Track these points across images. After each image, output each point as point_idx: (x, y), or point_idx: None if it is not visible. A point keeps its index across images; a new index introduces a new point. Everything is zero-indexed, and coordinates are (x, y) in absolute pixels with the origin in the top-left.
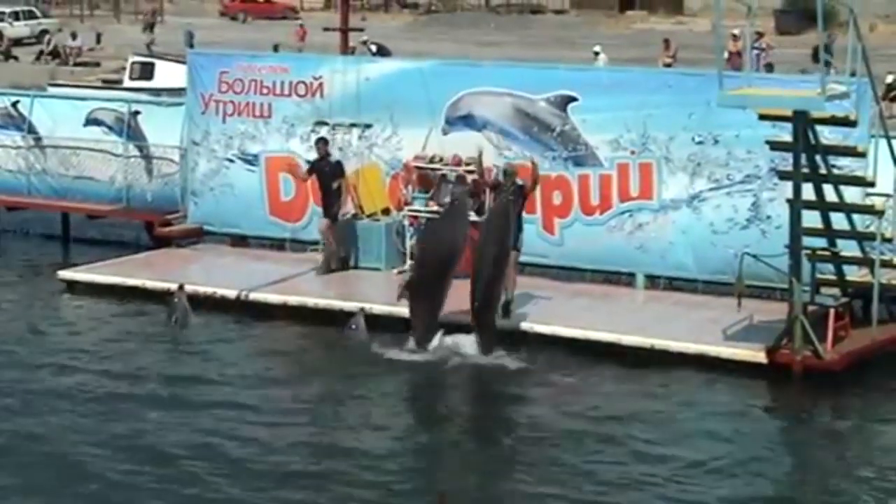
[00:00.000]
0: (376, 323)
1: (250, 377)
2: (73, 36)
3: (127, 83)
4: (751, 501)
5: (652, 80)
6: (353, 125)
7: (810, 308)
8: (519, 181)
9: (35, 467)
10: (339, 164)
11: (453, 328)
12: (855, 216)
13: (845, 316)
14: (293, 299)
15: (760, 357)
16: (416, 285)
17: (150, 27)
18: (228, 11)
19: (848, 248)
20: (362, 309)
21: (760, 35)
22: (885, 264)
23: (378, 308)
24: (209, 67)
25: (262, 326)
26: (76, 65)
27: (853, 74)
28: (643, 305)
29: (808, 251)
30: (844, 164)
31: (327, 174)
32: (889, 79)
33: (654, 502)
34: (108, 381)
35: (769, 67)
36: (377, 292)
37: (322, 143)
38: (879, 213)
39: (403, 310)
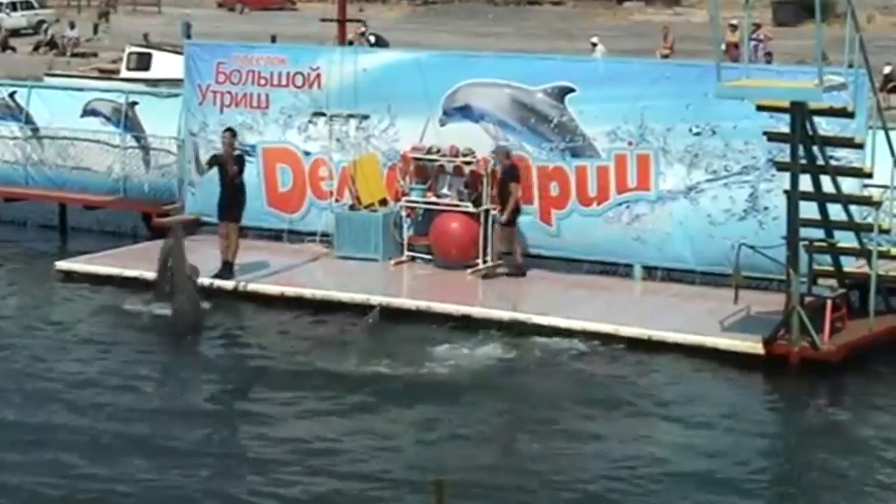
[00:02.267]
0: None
1: (247, 367)
2: (72, 26)
3: (124, 73)
4: (745, 492)
5: (649, 72)
6: (350, 116)
7: (808, 299)
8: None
9: (33, 454)
10: (242, 158)
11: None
12: (852, 207)
13: (842, 307)
14: (290, 290)
15: (758, 348)
16: None
17: (104, 16)
18: (226, 2)
19: (845, 240)
20: (379, 305)
21: (758, 26)
22: (883, 255)
23: (375, 299)
24: (207, 58)
25: (259, 316)
26: (73, 55)
27: (851, 66)
28: (641, 297)
29: (806, 242)
30: (842, 156)
31: (232, 169)
32: (887, 69)
33: (650, 490)
34: (105, 371)
35: (769, 56)
36: (375, 283)
37: (230, 133)
38: (877, 205)
39: (403, 301)
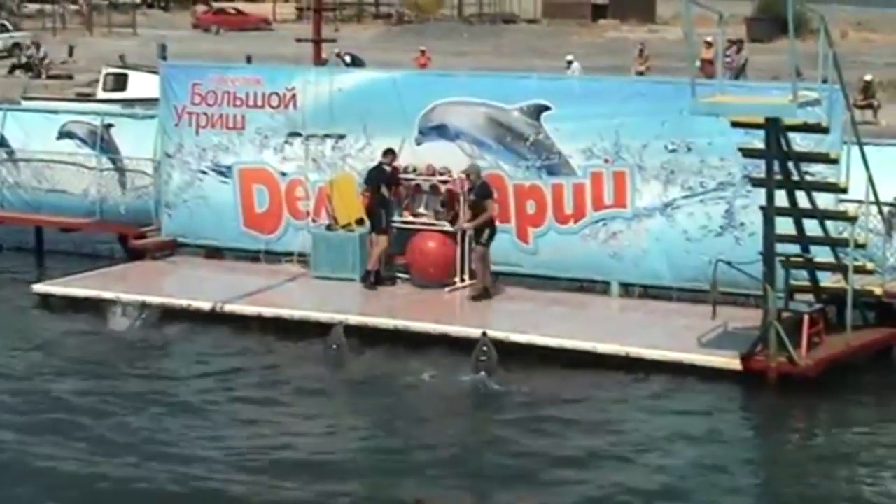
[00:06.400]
0: (352, 334)
1: (225, 389)
2: (38, 47)
3: (100, 95)
4: None
5: (625, 89)
6: (326, 136)
7: (784, 314)
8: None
9: (10, 480)
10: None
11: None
12: (828, 222)
13: (819, 322)
14: (268, 311)
15: (735, 364)
16: None
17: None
18: (201, 23)
19: (821, 255)
20: (341, 322)
21: (736, 42)
22: (859, 270)
23: (353, 319)
24: (182, 79)
25: (237, 338)
26: (49, 77)
27: (825, 81)
28: (618, 313)
29: (782, 258)
30: (817, 171)
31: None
32: (868, 77)
33: None
34: (82, 394)
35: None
36: (352, 303)
37: (392, 154)
38: (852, 219)
39: (380, 320)
